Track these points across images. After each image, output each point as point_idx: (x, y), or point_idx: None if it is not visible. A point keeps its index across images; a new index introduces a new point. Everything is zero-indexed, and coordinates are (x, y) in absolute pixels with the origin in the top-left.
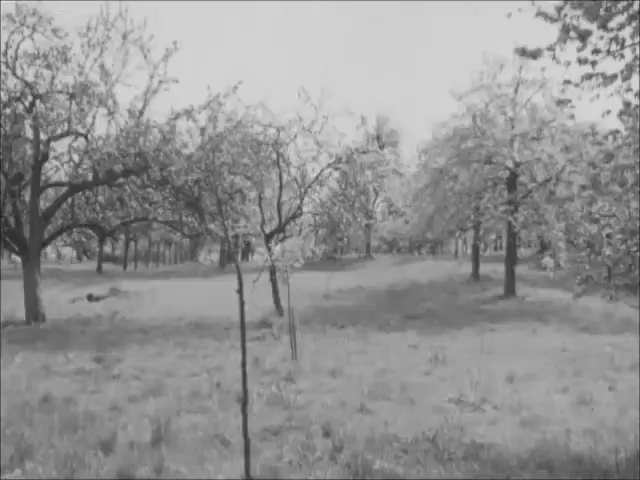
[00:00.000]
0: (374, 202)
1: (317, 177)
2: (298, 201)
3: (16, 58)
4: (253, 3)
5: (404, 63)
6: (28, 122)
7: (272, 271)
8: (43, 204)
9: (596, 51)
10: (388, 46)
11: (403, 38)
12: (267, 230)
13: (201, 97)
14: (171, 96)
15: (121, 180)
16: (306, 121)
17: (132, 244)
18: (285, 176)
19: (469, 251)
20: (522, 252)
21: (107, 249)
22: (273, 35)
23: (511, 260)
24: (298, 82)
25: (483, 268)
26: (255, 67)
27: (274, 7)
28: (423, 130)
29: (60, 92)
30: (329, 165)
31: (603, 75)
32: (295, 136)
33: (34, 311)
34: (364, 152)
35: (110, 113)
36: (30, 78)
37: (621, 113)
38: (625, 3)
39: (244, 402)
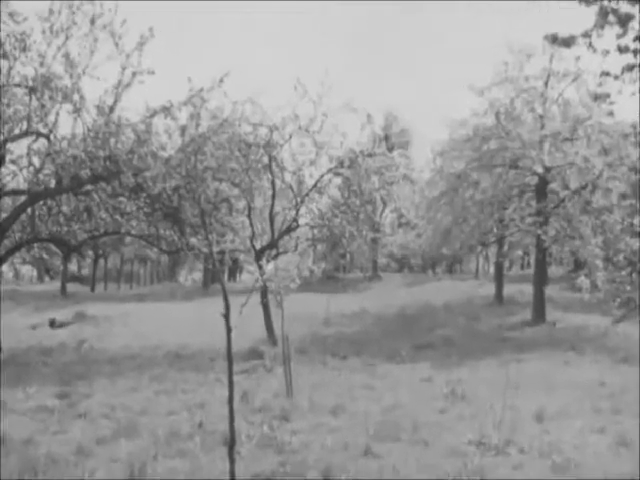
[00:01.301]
0: (381, 213)
1: (316, 184)
2: (293, 212)
3: None
4: None
5: (411, 59)
6: None
7: (263, 293)
8: None
9: (639, 38)
10: (392, 42)
11: (407, 34)
12: (258, 245)
13: (182, 92)
14: (147, 91)
15: (89, 187)
16: (303, 119)
17: (101, 262)
18: (278, 183)
19: (491, 270)
20: (553, 271)
21: (72, 267)
22: (267, 29)
23: (540, 280)
24: (294, 77)
25: (508, 289)
26: (247, 60)
27: (272, 3)
28: (438, 129)
29: (18, 85)
30: (329, 170)
31: None
32: (290, 136)
33: None
34: (370, 155)
35: (76, 110)
36: None
37: None
38: None
39: (231, 444)
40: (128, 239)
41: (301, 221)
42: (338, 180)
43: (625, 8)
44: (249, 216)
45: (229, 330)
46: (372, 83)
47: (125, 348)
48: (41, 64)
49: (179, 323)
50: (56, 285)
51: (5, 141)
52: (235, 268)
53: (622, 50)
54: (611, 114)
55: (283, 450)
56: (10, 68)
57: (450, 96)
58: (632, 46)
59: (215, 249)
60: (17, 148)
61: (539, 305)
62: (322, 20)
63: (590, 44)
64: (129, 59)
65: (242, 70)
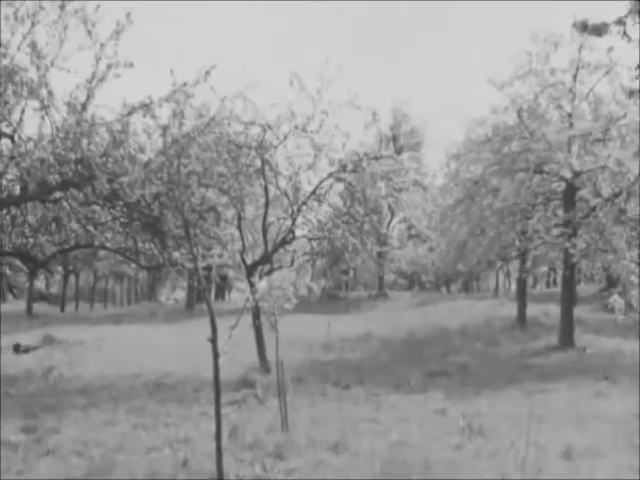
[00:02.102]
0: (389, 223)
1: (314, 190)
2: (289, 222)
3: None
4: None
5: (424, 49)
6: None
7: (256, 314)
8: None
9: None
10: (401, 31)
11: (419, 20)
12: (249, 260)
13: (163, 86)
14: (124, 85)
15: (58, 195)
16: (300, 117)
17: (72, 279)
18: (272, 189)
19: (513, 288)
20: (583, 289)
21: (39, 285)
22: (261, 17)
23: (568, 299)
24: (291, 70)
25: (532, 310)
26: (237, 51)
27: None
28: (453, 129)
29: None
30: (330, 175)
31: None
32: (286, 137)
33: None
34: (376, 158)
35: (43, 107)
36: None
37: None
38: None
39: None
40: (102, 253)
41: (298, 232)
42: (340, 186)
43: None
44: (239, 227)
45: (216, 356)
46: (379, 77)
47: (99, 377)
48: (4, 55)
49: (160, 348)
50: (21, 305)
51: None
52: (223, 286)
53: None
54: None
55: None
56: None
57: (467, 91)
58: None
59: (201, 264)
60: None
61: (567, 328)
62: (323, 6)
63: (624, 33)
64: (104, 49)
65: (232, 62)
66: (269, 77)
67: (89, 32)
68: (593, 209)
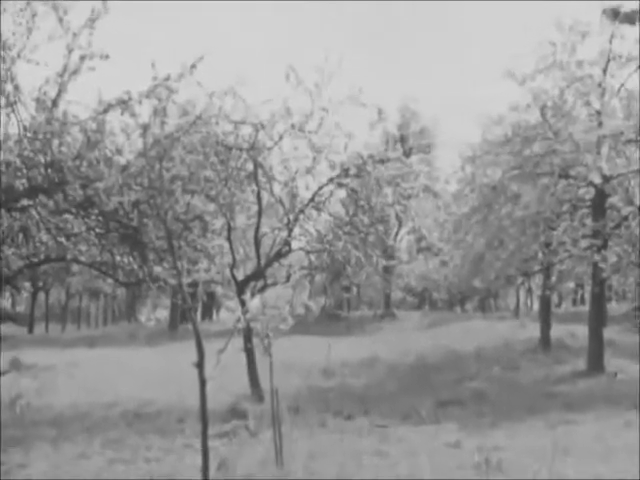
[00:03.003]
0: (396, 234)
1: (313, 197)
2: (285, 233)
3: None
4: None
5: (436, 40)
6: None
7: (247, 336)
8: None
9: None
10: (410, 19)
11: (431, 8)
12: (240, 275)
13: (143, 81)
14: (99, 80)
15: (25, 202)
16: (297, 115)
17: (41, 296)
18: (266, 196)
19: (535, 306)
20: (614, 308)
21: (5, 303)
22: (253, 3)
23: (597, 319)
24: (286, 62)
25: (557, 331)
26: (226, 42)
27: None
28: (469, 129)
29: None
30: (331, 180)
31: None
32: (281, 137)
33: None
34: (382, 161)
35: (9, 104)
36: None
37: None
38: None
39: None
40: (75, 268)
41: (294, 245)
42: (342, 193)
43: None
44: (229, 238)
45: (203, 383)
46: (385, 70)
47: (71, 406)
48: None
49: (140, 374)
50: None
51: None
52: (211, 304)
53: None
54: None
55: None
56: None
57: (484, 86)
58: None
59: (186, 280)
60: None
61: (596, 351)
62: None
63: None
64: (77, 39)
65: (220, 55)
66: (266, 78)
67: (60, 20)
68: (625, 218)
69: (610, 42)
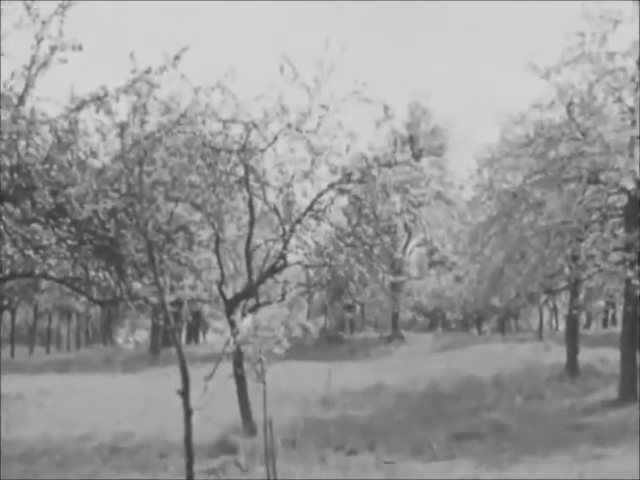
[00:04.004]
0: (405, 247)
1: (311, 205)
2: (280, 245)
3: None
4: None
5: (449, 30)
6: None
7: (237, 361)
8: None
9: None
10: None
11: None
12: (229, 293)
13: (121, 74)
14: (72, 74)
15: None
16: (293, 113)
17: (6, 316)
18: (259, 204)
19: (561, 327)
20: None
21: None
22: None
23: (631, 342)
24: (281, 53)
25: (585, 355)
26: (214, 31)
27: None
28: (486, 128)
29: None
30: (331, 186)
31: None
32: (275, 138)
33: None
34: (389, 164)
35: None
36: None
37: None
38: None
39: None
40: (45, 284)
41: (290, 258)
42: (344, 200)
43: None
44: (217, 251)
45: (188, 413)
46: (394, 60)
47: (41, 439)
48: None
49: (117, 404)
50: None
51: None
52: (197, 325)
53: None
54: None
55: None
56: None
57: (502, 81)
58: None
59: (168, 298)
60: None
61: (629, 378)
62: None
63: None
64: (46, 28)
65: (208, 44)
66: (259, 71)
67: (28, 7)
68: None
69: None
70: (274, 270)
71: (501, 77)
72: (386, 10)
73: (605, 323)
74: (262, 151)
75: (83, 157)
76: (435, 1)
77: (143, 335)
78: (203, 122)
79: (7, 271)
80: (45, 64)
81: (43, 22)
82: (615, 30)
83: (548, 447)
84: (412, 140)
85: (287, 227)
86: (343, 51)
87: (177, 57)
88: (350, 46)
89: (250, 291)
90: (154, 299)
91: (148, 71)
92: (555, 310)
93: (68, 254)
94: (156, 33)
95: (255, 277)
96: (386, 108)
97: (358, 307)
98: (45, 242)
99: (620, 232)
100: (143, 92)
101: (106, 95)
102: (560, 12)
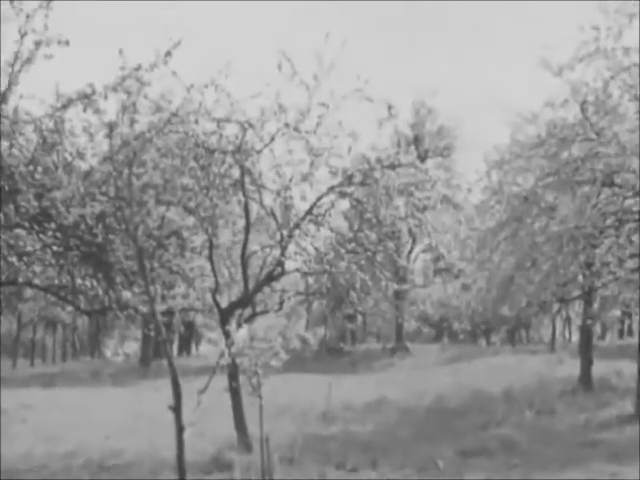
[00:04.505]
0: (409, 253)
1: (311, 210)
2: (277, 251)
3: None
4: None
5: (459, 23)
6: None
7: (232, 374)
8: None
9: None
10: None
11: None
12: (224, 302)
13: (110, 71)
14: (58, 71)
15: None
16: (292, 112)
17: None
18: (255, 208)
19: (575, 338)
20: None
21: None
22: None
23: None
24: (279, 50)
25: (600, 368)
26: (209, 26)
27: None
28: (496, 128)
29: None
30: (332, 189)
31: None
32: (272, 138)
33: None
34: (392, 166)
35: None
36: None
37: None
38: None
39: None
40: (29, 292)
41: (288, 266)
42: (345, 204)
43: None
44: (210, 258)
45: (180, 429)
46: (398, 57)
47: (26, 456)
48: None
49: (105, 419)
50: None
51: None
52: (190, 336)
53: None
54: None
55: None
56: None
57: (503, 81)
58: None
59: (160, 308)
60: None
61: None
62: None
63: None
64: (30, 22)
65: (201, 40)
66: (255, 67)
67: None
68: None
69: None
70: (271, 278)
71: (502, 77)
72: (387, 10)
73: (621, 334)
74: (258, 152)
75: (69, 158)
76: (436, 1)
77: (133, 347)
78: (196, 121)
79: None
80: (29, 60)
81: (27, 16)
82: (631, 24)
83: (561, 464)
84: (417, 140)
85: (285, 232)
86: (344, 46)
87: (169, 53)
88: (350, 46)
89: (246, 300)
90: (144, 309)
91: (138, 68)
92: (568, 320)
93: (53, 261)
94: (146, 28)
95: (251, 285)
96: (389, 107)
97: (360, 317)
98: (29, 248)
99: (636, 237)
100: (133, 90)
101: (94, 93)
102: (561, 11)
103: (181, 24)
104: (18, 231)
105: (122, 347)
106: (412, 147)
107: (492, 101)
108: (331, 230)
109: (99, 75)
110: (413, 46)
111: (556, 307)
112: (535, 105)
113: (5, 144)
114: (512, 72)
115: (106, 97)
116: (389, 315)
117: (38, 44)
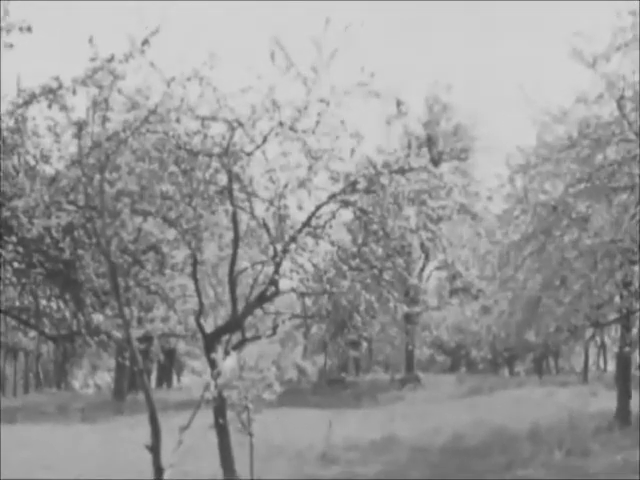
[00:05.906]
0: (422, 271)
1: (308, 221)
2: (270, 268)
3: None
4: None
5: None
6: None
7: (219, 408)
8: None
9: None
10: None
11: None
12: (209, 326)
13: (79, 62)
14: (20, 61)
15: None
16: (287, 109)
17: None
18: (245, 219)
19: (611, 368)
20: None
21: None
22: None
23: None
24: (271, 38)
25: (639, 401)
26: (193, 12)
27: None
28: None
29: None
30: (332, 197)
31: None
32: (265, 139)
33: None
34: (402, 171)
35: None
36: None
37: None
38: None
39: None
40: None
41: (283, 285)
42: (347, 214)
43: None
44: (194, 276)
45: (159, 471)
46: (409, 47)
47: None
48: None
49: (74, 460)
50: None
51: None
52: (170, 366)
53: None
54: None
55: None
56: None
57: (571, 60)
58: None
59: (136, 333)
60: None
61: None
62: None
63: None
64: None
65: (182, 26)
66: (245, 57)
67: None
68: None
69: None
70: (263, 299)
71: (530, 67)
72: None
73: None
74: (249, 155)
75: (32, 162)
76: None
77: (105, 378)
78: (177, 120)
79: None
80: None
81: None
82: None
83: None
84: (430, 142)
85: (279, 247)
86: (346, 33)
87: (146, 41)
88: (354, 33)
89: (234, 324)
90: (118, 334)
91: (111, 59)
92: (603, 347)
93: (14, 279)
94: (121, 13)
95: (240, 307)
96: (399, 103)
97: (365, 344)
98: None
99: None
100: (105, 84)
101: (60, 87)
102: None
103: (160, 8)
104: None
105: (93, 378)
106: (424, 149)
107: (517, 96)
108: (332, 244)
109: (67, 67)
110: (427, 29)
111: (589, 332)
112: (566, 101)
113: None
114: (542, 62)
115: (74, 92)
116: (398, 341)
117: None
